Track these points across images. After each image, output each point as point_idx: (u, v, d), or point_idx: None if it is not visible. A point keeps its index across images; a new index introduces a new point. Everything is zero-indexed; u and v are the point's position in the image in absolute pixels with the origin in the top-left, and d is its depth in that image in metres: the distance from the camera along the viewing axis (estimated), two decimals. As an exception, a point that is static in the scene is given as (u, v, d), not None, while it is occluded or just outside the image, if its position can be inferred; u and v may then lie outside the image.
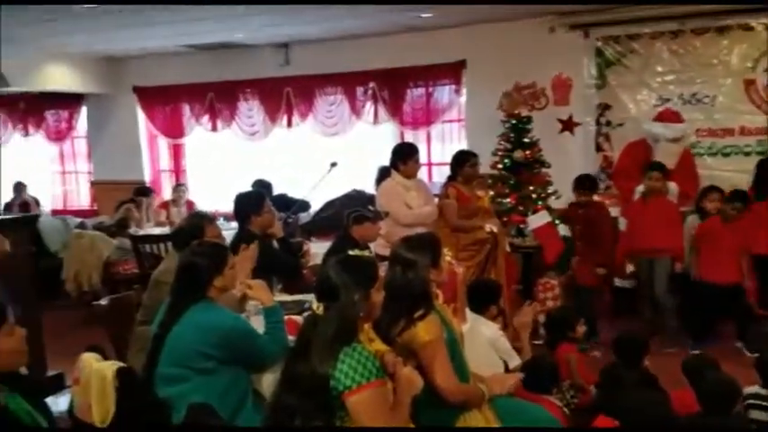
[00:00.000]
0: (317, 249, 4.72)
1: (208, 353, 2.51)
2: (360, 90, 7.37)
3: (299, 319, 2.97)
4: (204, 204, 7.96)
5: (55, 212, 8.86)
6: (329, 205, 6.90)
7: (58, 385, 4.35)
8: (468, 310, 3.29)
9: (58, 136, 8.95)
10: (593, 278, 5.04)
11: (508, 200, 5.70)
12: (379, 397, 2.07)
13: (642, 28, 6.10)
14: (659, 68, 6.14)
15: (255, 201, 3.86)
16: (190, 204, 7.90)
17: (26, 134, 9.02)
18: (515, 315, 3.61)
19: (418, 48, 6.95)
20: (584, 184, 5.13)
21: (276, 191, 7.34)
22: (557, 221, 5.31)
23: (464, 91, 7.01)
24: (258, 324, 2.79)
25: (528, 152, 5.76)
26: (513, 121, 5.91)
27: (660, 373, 3.38)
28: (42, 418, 2.07)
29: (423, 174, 6.91)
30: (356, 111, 7.39)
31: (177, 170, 8.66)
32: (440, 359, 2.38)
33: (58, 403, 3.80)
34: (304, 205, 6.58)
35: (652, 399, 2.89)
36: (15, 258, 3.93)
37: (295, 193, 6.98)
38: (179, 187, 7.92)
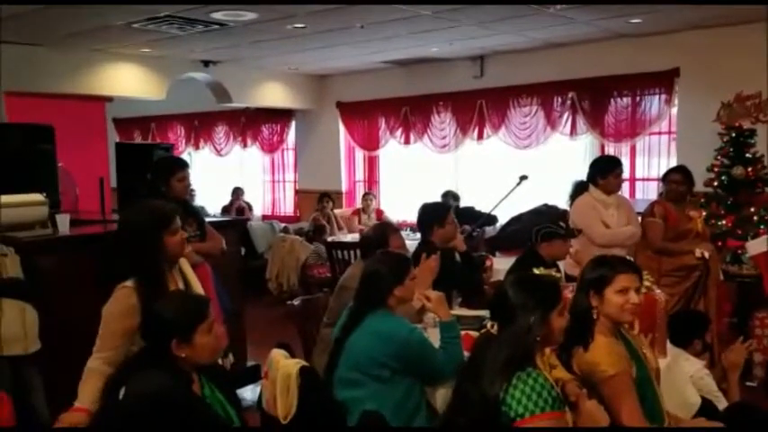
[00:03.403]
0: (501, 265, 4.55)
1: (382, 361, 2.51)
2: (557, 100, 7.08)
3: (476, 335, 2.85)
4: (393, 214, 8.19)
5: (265, 217, 9.71)
6: (516, 220, 6.70)
7: (255, 375, 4.72)
8: (668, 344, 2.93)
9: (271, 148, 9.81)
10: None
11: (724, 222, 5.12)
12: (554, 429, 1.89)
13: None
14: None
15: (439, 212, 3.82)
16: (379, 213, 8.18)
17: (244, 146, 10.02)
18: (725, 352, 3.14)
19: (625, 55, 6.51)
20: None
21: (464, 203, 7.32)
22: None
23: (676, 101, 6.42)
24: (435, 337, 2.74)
25: (750, 169, 5.15)
26: (734, 135, 5.31)
27: None
28: (233, 410, 2.20)
29: (625, 190, 6.44)
30: (552, 122, 7.11)
31: (371, 180, 9.03)
32: (626, 396, 2.12)
33: (255, 393, 4.10)
34: (491, 219, 6.45)
35: None
36: (227, 256, 4.30)
37: (483, 206, 6.89)
38: (367, 195, 8.25)
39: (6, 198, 3.50)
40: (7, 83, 6.10)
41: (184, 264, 2.64)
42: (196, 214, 3.99)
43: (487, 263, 4.29)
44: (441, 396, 2.56)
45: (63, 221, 3.89)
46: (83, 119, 7.91)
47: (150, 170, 4.09)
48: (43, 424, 2.98)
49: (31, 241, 3.53)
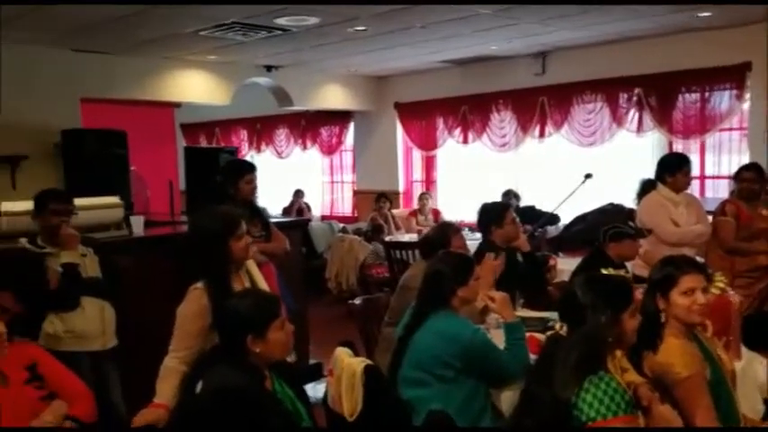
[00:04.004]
0: (565, 265, 4.47)
1: (447, 361, 2.52)
2: (623, 97, 6.91)
3: (541, 336, 2.82)
4: (450, 213, 8.16)
5: (324, 218, 9.85)
6: (580, 219, 6.57)
7: (317, 373, 4.81)
8: (743, 347, 2.83)
9: (330, 150, 9.94)
10: None
11: (800, 221, 4.83)
12: (627, 429, 1.86)
13: None
14: None
15: (497, 212, 3.79)
16: (435, 213, 8.17)
17: (304, 148, 10.18)
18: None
19: (693, 49, 6.29)
20: None
21: (526, 202, 7.23)
22: None
23: (747, 96, 6.16)
24: (498, 338, 2.72)
25: (829, 165, 4.84)
26: (811, 129, 5.02)
27: None
28: (302, 406, 2.25)
29: (694, 188, 6.24)
30: (618, 119, 6.95)
31: (428, 181, 9.03)
32: (700, 398, 2.07)
33: (317, 390, 4.18)
34: (553, 218, 6.35)
35: None
36: (290, 256, 4.39)
37: (545, 205, 6.78)
38: (423, 196, 8.27)
39: (84, 201, 3.65)
40: (83, 90, 6.41)
41: (251, 264, 2.72)
42: (261, 215, 4.09)
43: (551, 262, 4.22)
44: (506, 399, 2.54)
45: (137, 223, 4.06)
46: (153, 124, 8.22)
47: (217, 173, 4.22)
48: (121, 418, 3.11)
49: (109, 242, 3.69)
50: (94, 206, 3.89)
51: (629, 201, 6.06)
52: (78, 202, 3.39)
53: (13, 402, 2.12)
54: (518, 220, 3.84)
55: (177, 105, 8.28)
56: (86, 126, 6.30)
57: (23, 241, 3.24)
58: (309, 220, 8.44)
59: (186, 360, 2.37)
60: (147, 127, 7.84)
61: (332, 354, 2.74)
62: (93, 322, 3.22)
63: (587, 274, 2.12)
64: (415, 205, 8.45)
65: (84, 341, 3.19)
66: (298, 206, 9.46)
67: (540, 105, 7.47)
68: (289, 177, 10.37)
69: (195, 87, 7.32)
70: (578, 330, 1.94)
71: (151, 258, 3.83)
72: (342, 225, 8.70)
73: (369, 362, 2.64)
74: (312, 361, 5.04)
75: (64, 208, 3.23)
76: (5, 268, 2.86)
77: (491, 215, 3.78)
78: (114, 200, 4.10)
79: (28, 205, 3.30)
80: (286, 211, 9.28)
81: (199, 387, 2.09)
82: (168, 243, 4.04)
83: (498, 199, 6.39)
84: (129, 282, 3.44)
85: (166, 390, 2.34)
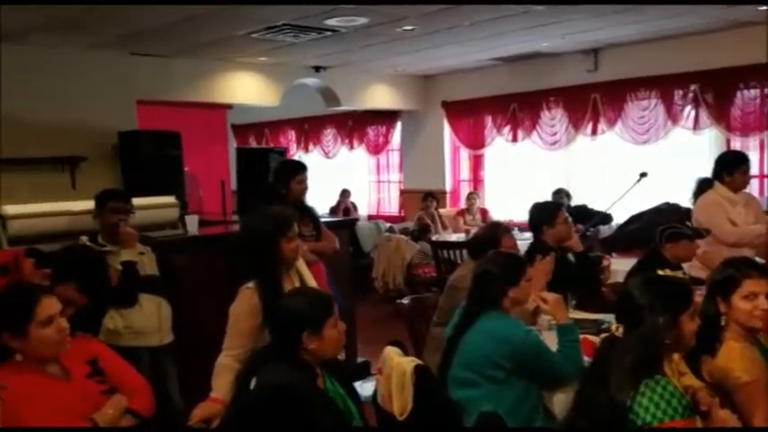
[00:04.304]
0: (619, 266, 4.37)
1: (497, 362, 2.49)
2: (678, 93, 6.72)
3: (595, 339, 2.77)
4: (499, 213, 8.08)
5: (370, 217, 9.89)
6: (635, 219, 6.41)
7: (364, 371, 4.84)
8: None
9: (376, 149, 9.97)
10: None
11: None
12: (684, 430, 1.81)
13: None
14: None
15: (549, 212, 3.71)
16: (483, 212, 8.10)
17: (351, 148, 10.25)
18: None
19: (752, 44, 6.04)
20: None
21: (577, 201, 7.10)
22: None
23: (811, 91, 5.91)
24: (550, 340, 2.68)
25: None
26: None
27: None
28: (353, 404, 2.27)
29: (754, 187, 6.02)
30: (673, 116, 6.76)
31: (476, 180, 8.96)
32: (760, 403, 2.01)
33: (364, 389, 4.20)
34: (606, 218, 6.22)
35: None
36: (339, 255, 4.44)
37: (597, 204, 6.65)
38: (471, 195, 8.21)
39: (141, 200, 3.75)
40: (139, 92, 6.60)
41: (301, 263, 2.76)
42: (312, 214, 4.14)
43: (604, 263, 4.13)
44: (559, 401, 2.51)
45: (192, 222, 4.16)
46: (206, 125, 8.40)
47: (267, 173, 4.29)
48: (178, 412, 3.20)
49: (166, 241, 3.79)
50: (151, 206, 4.00)
51: (685, 200, 5.89)
52: (136, 201, 3.50)
53: (75, 396, 2.19)
54: (570, 219, 3.76)
55: (229, 107, 8.45)
56: (142, 127, 6.47)
57: (84, 239, 3.36)
58: (357, 220, 8.49)
59: (239, 358, 2.42)
60: (200, 128, 8.02)
61: (379, 352, 2.75)
62: (150, 318, 3.32)
63: (644, 275, 2.08)
64: (463, 204, 8.39)
65: (143, 337, 3.29)
66: (344, 206, 9.53)
67: (592, 102, 7.33)
68: (336, 177, 10.45)
69: (246, 89, 7.44)
70: (635, 332, 1.91)
71: (205, 257, 3.92)
72: (388, 224, 8.71)
73: (419, 361, 2.63)
74: (360, 359, 5.07)
75: (123, 207, 3.34)
76: (70, 263, 2.97)
77: (543, 214, 3.72)
78: (170, 200, 4.20)
79: (88, 205, 3.43)
80: (333, 211, 9.35)
81: (252, 384, 2.13)
82: (221, 242, 4.13)
83: (548, 198, 6.30)
84: (185, 280, 3.53)
85: (222, 385, 2.40)
